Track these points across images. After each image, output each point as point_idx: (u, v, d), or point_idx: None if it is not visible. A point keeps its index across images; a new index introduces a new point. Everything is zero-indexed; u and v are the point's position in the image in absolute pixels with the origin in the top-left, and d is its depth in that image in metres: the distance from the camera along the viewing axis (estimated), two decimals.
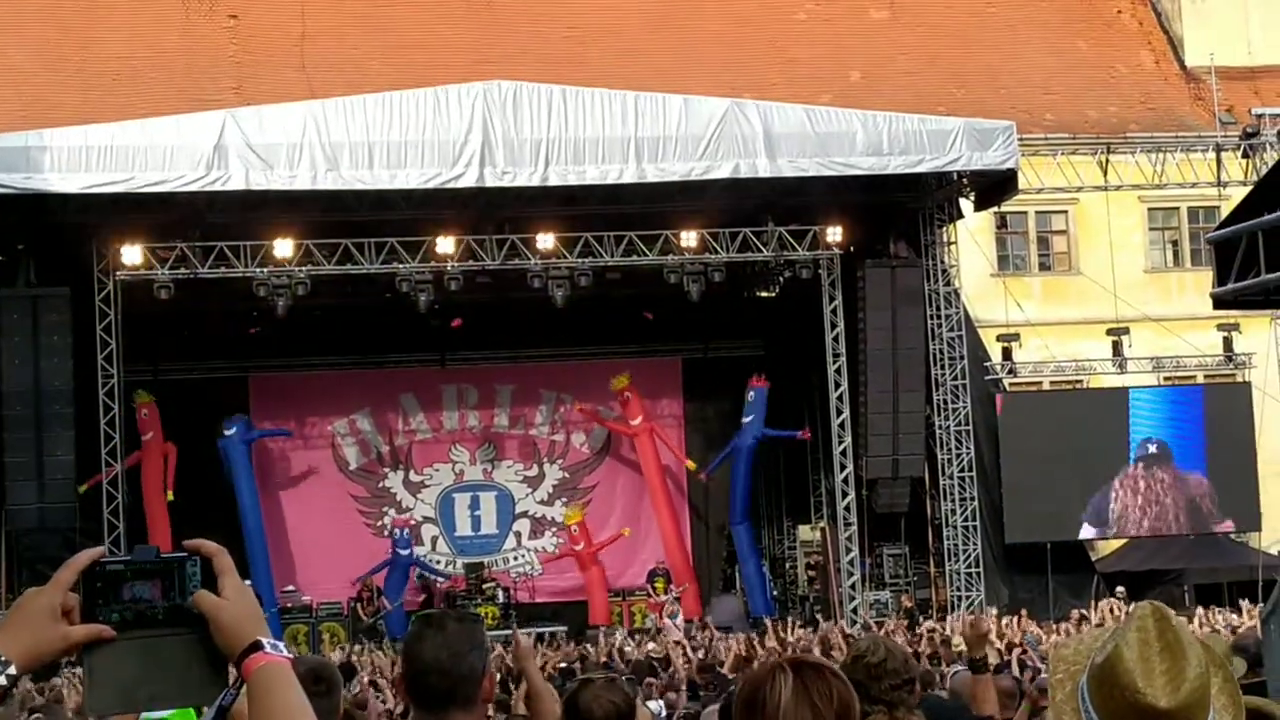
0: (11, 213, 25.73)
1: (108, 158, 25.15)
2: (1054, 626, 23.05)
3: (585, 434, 32.81)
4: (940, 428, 29.24)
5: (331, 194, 26.37)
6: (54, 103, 31.68)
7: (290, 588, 30.21)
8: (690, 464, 32.08)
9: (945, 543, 29.37)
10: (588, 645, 23.81)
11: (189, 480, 29.19)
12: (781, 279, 30.11)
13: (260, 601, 2.50)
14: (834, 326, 28.40)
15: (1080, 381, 32.80)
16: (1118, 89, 36.23)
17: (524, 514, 32.56)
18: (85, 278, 26.68)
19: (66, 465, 26.67)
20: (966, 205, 29.88)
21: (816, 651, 16.17)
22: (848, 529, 28.74)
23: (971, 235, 31.19)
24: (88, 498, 26.80)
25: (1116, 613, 22.55)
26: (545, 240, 26.97)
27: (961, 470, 29.24)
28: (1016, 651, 16.76)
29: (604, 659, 20.19)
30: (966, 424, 29.31)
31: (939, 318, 29.25)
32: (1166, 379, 32.30)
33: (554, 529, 32.30)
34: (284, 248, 26.46)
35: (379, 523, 31.80)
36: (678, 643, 20.99)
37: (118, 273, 26.59)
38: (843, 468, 28.73)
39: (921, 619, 26.47)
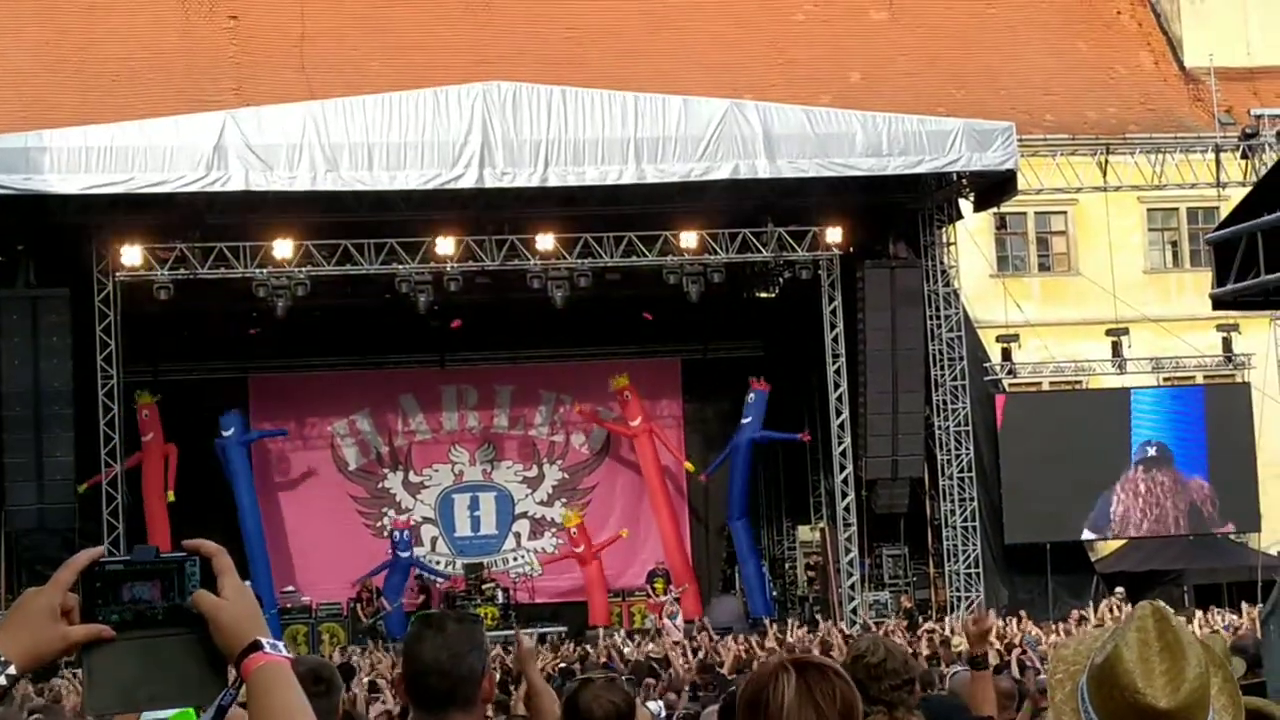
0: (11, 213, 25.73)
1: (107, 158, 25.15)
2: (1054, 627, 23.05)
3: (585, 435, 32.80)
4: (940, 428, 29.24)
5: (331, 195, 26.37)
6: (53, 104, 31.66)
7: (290, 588, 30.22)
8: (689, 465, 32.09)
9: (945, 543, 29.37)
10: (587, 646, 23.80)
11: (189, 481, 29.19)
12: (781, 280, 30.12)
13: (260, 602, 2.49)
14: (833, 327, 28.40)
15: (1080, 382, 32.80)
16: (1117, 90, 36.23)
17: (523, 515, 32.55)
18: (85, 278, 26.68)
19: (66, 466, 26.69)
20: (966, 206, 29.88)
21: (816, 652, 16.16)
22: (847, 529, 28.74)
23: (971, 236, 31.19)
24: (87, 498, 26.81)
25: (1116, 613, 22.55)
26: (545, 241, 26.97)
27: (961, 471, 29.24)
28: (1016, 652, 16.73)
29: (604, 659, 20.17)
30: (966, 425, 29.31)
31: (938, 318, 29.25)
32: (1166, 380, 32.30)
33: (553, 530, 32.28)
34: (283, 248, 26.46)
35: (378, 523, 31.78)
36: (677, 643, 20.99)
37: (117, 273, 26.58)
38: (842, 468, 28.73)
39: (921, 619, 26.47)
